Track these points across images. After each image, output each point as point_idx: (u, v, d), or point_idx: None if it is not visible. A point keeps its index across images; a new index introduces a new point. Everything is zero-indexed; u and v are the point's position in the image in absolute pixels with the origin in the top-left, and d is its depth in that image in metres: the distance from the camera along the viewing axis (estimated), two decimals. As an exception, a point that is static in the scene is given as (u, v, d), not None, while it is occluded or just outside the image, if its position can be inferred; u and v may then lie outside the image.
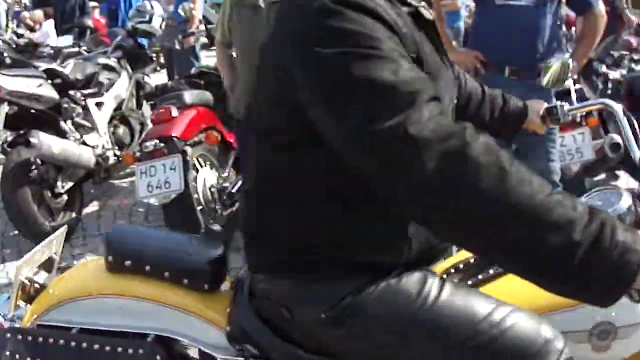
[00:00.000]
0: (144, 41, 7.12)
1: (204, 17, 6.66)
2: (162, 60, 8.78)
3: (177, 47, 7.12)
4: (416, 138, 1.33)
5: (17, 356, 1.93)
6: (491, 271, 1.84)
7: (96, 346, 1.89)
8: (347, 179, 1.50)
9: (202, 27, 6.47)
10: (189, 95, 4.93)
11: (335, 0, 1.39)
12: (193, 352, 1.95)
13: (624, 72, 6.11)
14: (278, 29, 1.56)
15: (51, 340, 1.92)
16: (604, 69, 6.12)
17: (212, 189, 4.79)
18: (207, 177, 4.81)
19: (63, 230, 2.21)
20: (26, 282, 2.03)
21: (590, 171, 5.35)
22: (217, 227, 4.70)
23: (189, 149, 4.63)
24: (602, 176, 6.71)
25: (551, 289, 1.37)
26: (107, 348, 1.88)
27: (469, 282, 1.83)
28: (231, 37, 4.22)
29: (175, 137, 4.56)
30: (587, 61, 6.40)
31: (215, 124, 4.96)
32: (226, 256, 1.98)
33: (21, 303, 2.05)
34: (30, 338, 1.93)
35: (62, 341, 1.92)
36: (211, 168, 4.91)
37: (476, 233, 1.35)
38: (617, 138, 4.97)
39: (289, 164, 1.57)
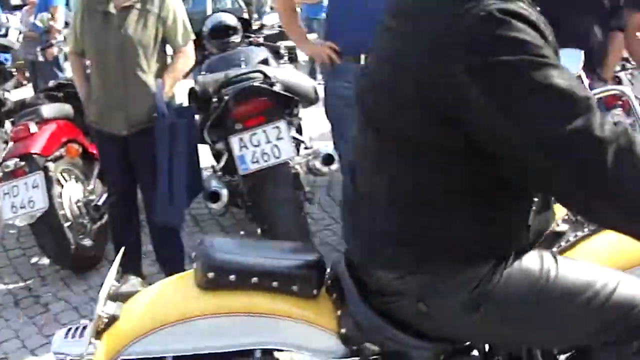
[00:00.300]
0: (7, 56, 6.86)
1: (67, 24, 6.43)
2: (27, 74, 8.48)
3: (40, 59, 6.88)
4: (601, 139, 1.48)
5: None
6: (562, 243, 2.00)
7: None
8: (487, 178, 1.65)
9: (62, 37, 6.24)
10: (47, 109, 4.77)
11: (501, 10, 1.47)
12: None
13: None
14: (420, 35, 1.57)
15: None
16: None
17: (79, 204, 4.67)
18: (72, 192, 4.67)
19: (120, 254, 2.06)
20: (103, 315, 1.84)
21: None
22: (87, 242, 4.62)
23: (51, 165, 4.48)
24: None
25: None
26: None
27: None
28: (84, 45, 4.10)
29: (35, 153, 4.41)
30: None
31: (77, 136, 4.83)
32: (324, 259, 1.95)
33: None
34: None
35: None
36: (76, 182, 4.77)
37: (637, 215, 1.55)
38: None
39: (432, 168, 1.65)
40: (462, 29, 1.48)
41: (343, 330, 1.82)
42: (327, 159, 4.17)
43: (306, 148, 4.34)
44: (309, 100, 4.48)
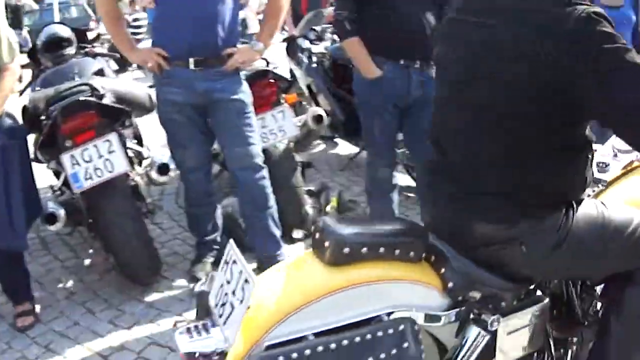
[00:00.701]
0: None
1: None
2: None
3: None
4: None
5: None
6: (587, 196, 2.36)
7: (345, 342, 1.94)
8: (565, 141, 2.10)
9: None
10: None
11: (594, 13, 1.95)
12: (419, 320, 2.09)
13: (328, 44, 6.29)
14: (527, 32, 1.99)
15: (294, 355, 1.89)
16: (307, 44, 6.28)
17: None
18: None
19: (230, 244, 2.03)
20: (246, 303, 1.85)
21: (300, 145, 5.49)
22: None
23: None
24: (322, 146, 6.97)
25: None
26: (357, 339, 1.95)
27: None
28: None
29: None
30: (292, 39, 6.60)
31: None
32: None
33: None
34: None
35: (307, 351, 1.91)
36: None
37: None
38: (319, 110, 5.14)
39: (529, 134, 2.06)
40: (569, 27, 1.94)
41: (450, 284, 2.12)
42: (162, 169, 4.12)
43: (144, 158, 4.27)
44: (144, 109, 4.40)
